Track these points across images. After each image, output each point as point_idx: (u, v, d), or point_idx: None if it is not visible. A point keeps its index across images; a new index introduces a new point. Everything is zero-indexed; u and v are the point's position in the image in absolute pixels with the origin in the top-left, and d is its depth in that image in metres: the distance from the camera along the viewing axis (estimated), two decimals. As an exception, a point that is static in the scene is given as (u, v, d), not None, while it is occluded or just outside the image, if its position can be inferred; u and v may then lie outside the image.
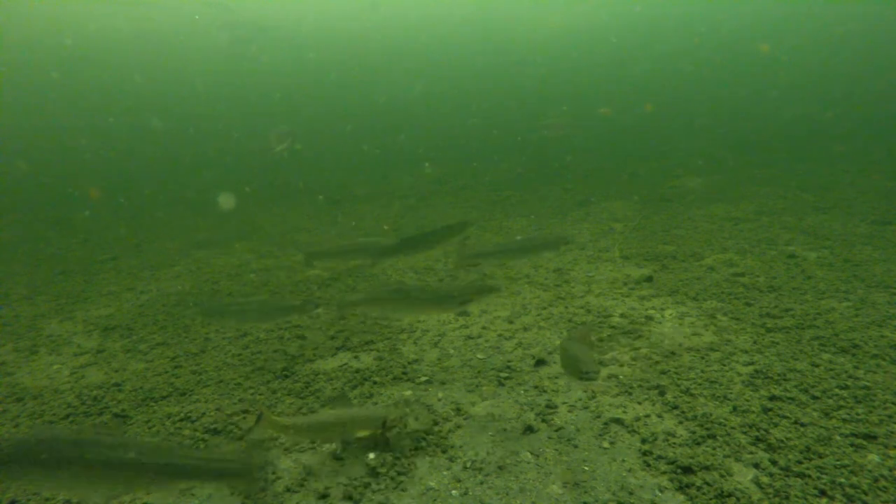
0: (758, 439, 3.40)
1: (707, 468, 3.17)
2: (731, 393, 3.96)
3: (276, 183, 18.09)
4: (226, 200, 13.01)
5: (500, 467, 3.34)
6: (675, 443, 3.44)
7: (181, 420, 4.15)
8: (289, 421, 3.39)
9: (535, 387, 4.28)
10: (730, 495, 2.94)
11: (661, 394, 4.02)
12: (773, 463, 3.18)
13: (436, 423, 3.84)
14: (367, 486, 3.23)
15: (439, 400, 4.19)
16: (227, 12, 31.63)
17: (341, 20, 41.23)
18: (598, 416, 3.80)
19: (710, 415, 3.69)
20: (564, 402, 4.02)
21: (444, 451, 3.52)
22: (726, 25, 47.73)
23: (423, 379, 4.55)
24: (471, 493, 3.12)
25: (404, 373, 4.69)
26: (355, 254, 6.26)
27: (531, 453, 3.46)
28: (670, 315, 5.51)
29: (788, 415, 3.63)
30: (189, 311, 6.62)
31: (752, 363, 4.38)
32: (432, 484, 3.22)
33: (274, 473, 3.44)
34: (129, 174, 21.94)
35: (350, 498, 3.14)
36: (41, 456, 2.53)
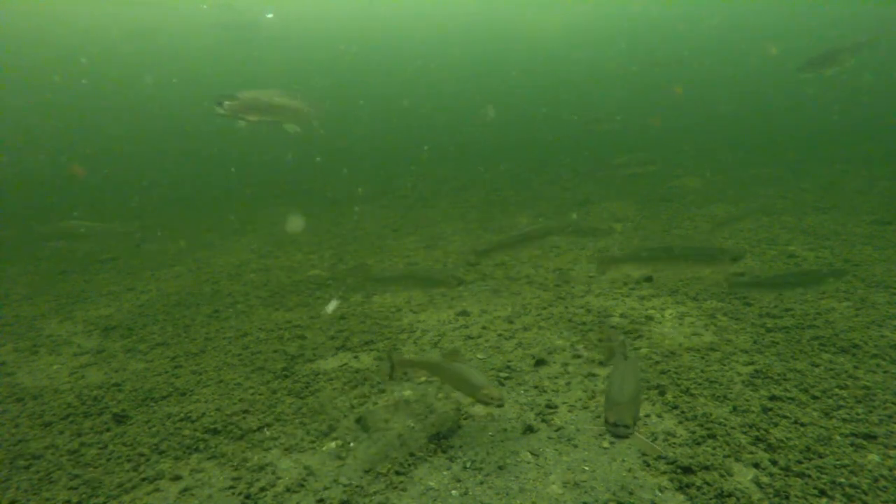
0: (758, 439, 3.40)
1: (707, 468, 3.16)
2: (731, 393, 3.96)
3: (277, 182, 18.09)
4: (294, 223, 12.30)
5: (499, 467, 3.33)
6: (675, 443, 3.44)
7: (181, 420, 4.15)
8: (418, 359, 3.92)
9: (535, 387, 4.28)
10: (730, 495, 2.93)
11: (661, 394, 4.02)
12: (773, 463, 3.18)
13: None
14: (366, 486, 3.24)
15: (439, 400, 4.19)
16: (229, 11, 31.61)
17: (341, 20, 41.24)
18: (598, 416, 3.80)
19: (710, 415, 3.69)
20: (564, 402, 4.02)
21: (443, 451, 3.52)
22: (725, 25, 47.71)
23: (423, 379, 4.54)
24: (471, 493, 3.12)
25: (404, 373, 4.68)
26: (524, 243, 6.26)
27: (531, 453, 3.46)
28: (670, 315, 5.51)
29: (788, 415, 3.63)
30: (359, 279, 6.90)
31: (752, 363, 4.38)
32: (432, 484, 3.22)
33: (274, 473, 3.44)
34: (127, 174, 21.93)
35: (349, 499, 3.14)
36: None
